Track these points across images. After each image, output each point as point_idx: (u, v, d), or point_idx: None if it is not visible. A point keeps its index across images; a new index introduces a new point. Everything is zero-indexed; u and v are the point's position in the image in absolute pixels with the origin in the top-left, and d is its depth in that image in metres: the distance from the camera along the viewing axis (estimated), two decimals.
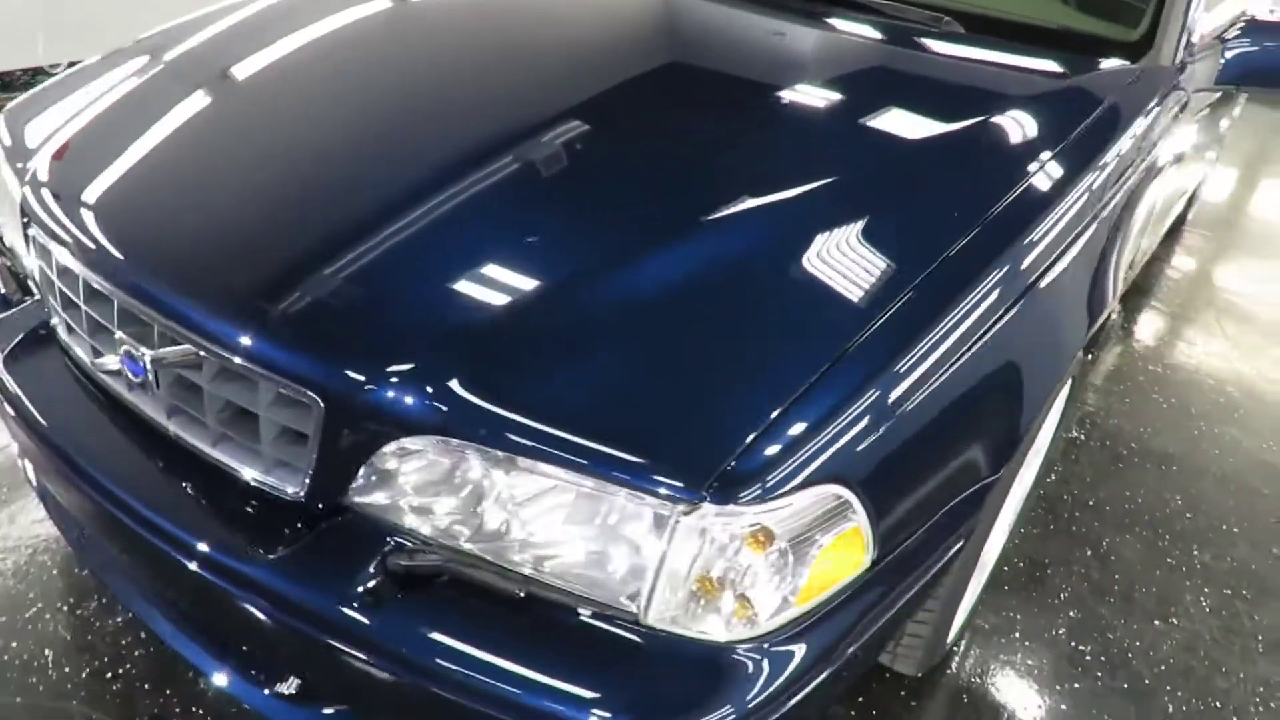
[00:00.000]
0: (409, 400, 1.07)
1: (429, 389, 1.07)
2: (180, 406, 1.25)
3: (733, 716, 0.99)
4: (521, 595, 1.06)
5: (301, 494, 1.16)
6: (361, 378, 1.09)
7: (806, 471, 1.00)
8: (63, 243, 1.32)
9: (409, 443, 1.09)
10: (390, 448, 1.10)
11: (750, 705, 1.01)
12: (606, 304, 1.14)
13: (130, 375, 1.26)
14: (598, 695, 0.99)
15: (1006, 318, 1.27)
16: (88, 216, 1.33)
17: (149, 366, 1.22)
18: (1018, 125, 1.55)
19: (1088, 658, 1.89)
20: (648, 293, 1.15)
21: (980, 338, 1.22)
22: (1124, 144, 1.59)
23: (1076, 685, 1.83)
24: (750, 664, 1.03)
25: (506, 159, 1.37)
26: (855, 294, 1.17)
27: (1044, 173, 1.43)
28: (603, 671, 1.02)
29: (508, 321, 1.14)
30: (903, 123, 1.53)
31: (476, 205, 1.29)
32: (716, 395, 1.06)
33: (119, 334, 1.25)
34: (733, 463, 0.99)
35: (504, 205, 1.30)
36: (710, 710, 0.99)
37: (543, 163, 1.38)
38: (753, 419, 1.02)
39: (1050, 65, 1.74)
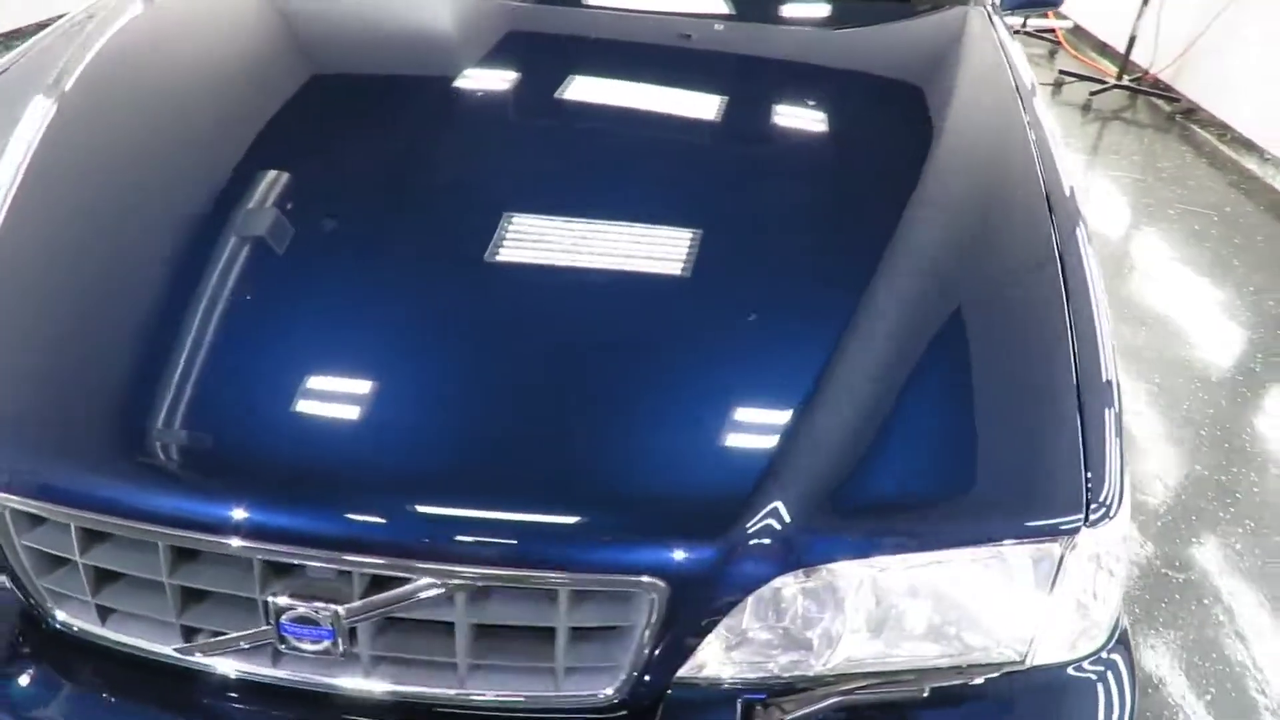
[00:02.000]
0: (770, 548, 0.94)
1: (792, 528, 0.94)
2: (395, 656, 0.95)
3: None
4: (925, 694, 0.99)
5: (617, 694, 0.96)
6: (716, 542, 0.92)
7: (1122, 488, 1.04)
8: (135, 513, 0.92)
9: (763, 590, 0.94)
10: (748, 601, 0.95)
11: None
12: (886, 383, 1.08)
13: (296, 644, 0.94)
14: None
15: None
16: (188, 463, 0.98)
17: (341, 624, 0.91)
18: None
19: None
20: (924, 370, 1.10)
21: None
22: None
23: None
24: (1109, 672, 1.07)
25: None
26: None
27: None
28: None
29: (817, 434, 1.01)
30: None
31: (701, 334, 1.13)
32: (1033, 435, 1.06)
33: (277, 599, 0.91)
34: (1089, 488, 1.00)
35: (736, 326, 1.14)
36: None
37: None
38: (1076, 450, 1.04)
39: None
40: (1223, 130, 4.67)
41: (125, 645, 1.01)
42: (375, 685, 0.98)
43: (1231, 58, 4.63)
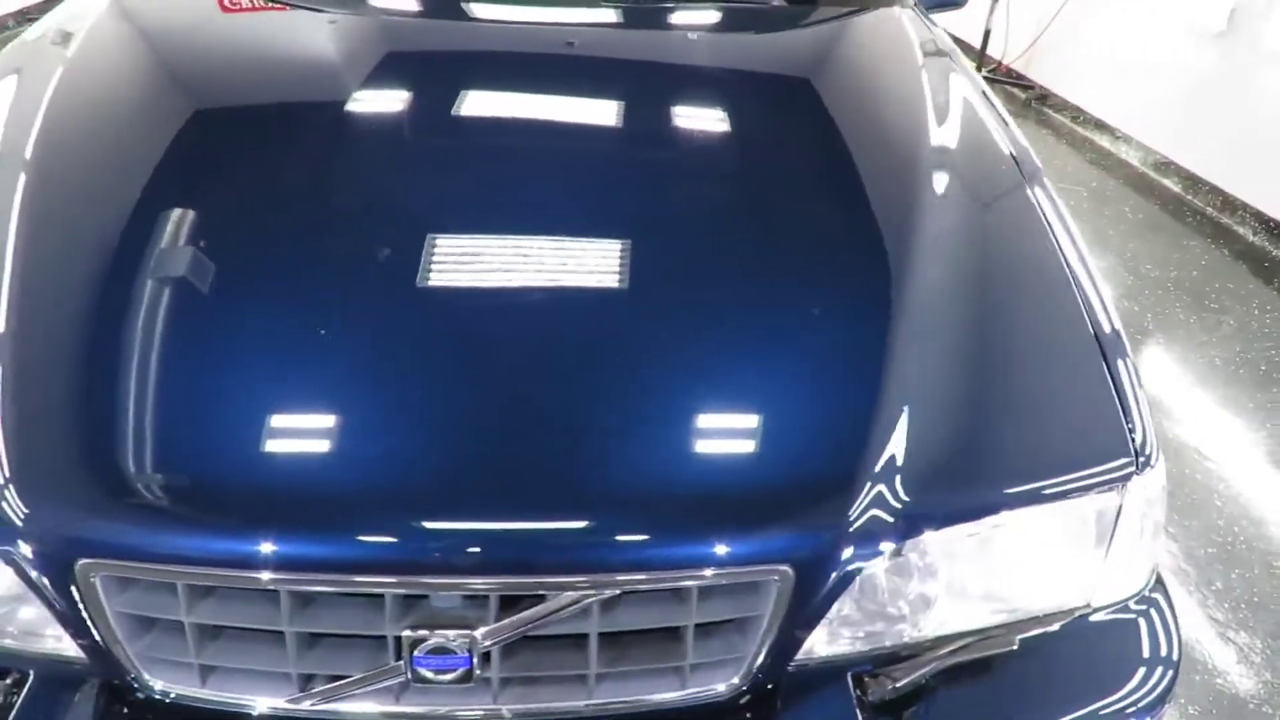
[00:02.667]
0: (876, 526, 0.99)
1: (892, 505, 1.00)
2: (525, 676, 0.95)
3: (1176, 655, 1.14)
4: (1014, 646, 1.06)
5: (740, 685, 1.00)
6: (834, 525, 0.96)
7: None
8: (247, 561, 0.89)
9: (868, 567, 1.00)
10: (856, 583, 0.99)
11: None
12: (939, 363, 1.14)
13: (429, 676, 0.92)
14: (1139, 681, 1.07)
15: None
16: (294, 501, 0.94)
17: (476, 649, 0.91)
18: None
19: None
20: (967, 347, 1.18)
21: None
22: None
23: None
24: (1156, 608, 1.18)
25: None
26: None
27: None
28: (1124, 664, 1.09)
29: (895, 414, 1.07)
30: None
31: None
32: (1075, 395, 1.16)
33: (411, 633, 0.90)
34: (1133, 438, 1.10)
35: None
36: (1163, 662, 1.13)
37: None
38: (1114, 404, 1.14)
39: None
40: (1076, 113, 5.06)
41: (229, 704, 0.97)
42: (505, 707, 0.97)
43: (1077, 46, 5.03)
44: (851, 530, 0.98)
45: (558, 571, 0.92)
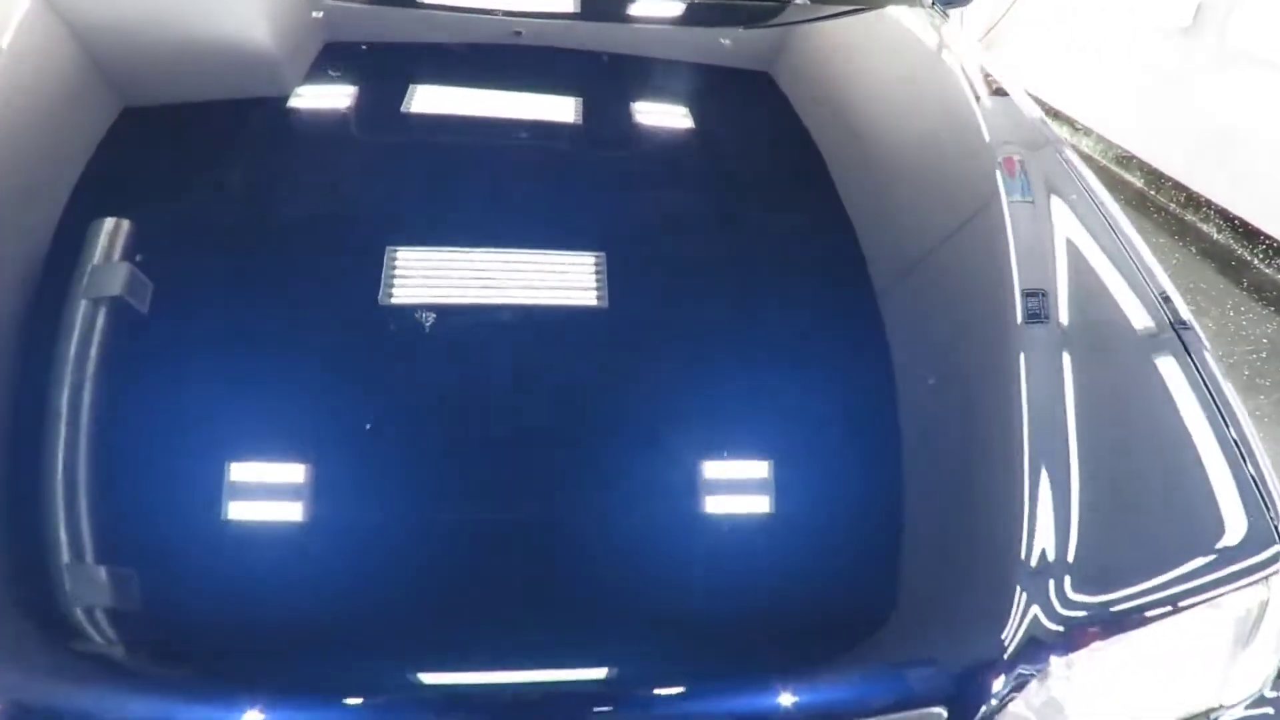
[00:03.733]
0: (1024, 654, 0.88)
1: (1040, 630, 0.89)
2: None
3: None
4: None
5: None
6: (987, 658, 0.84)
7: None
8: None
9: (1022, 695, 0.88)
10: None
11: None
12: (1063, 470, 1.02)
13: None
14: None
15: None
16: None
17: None
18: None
19: None
20: (1094, 449, 1.06)
21: None
22: None
23: None
24: None
25: None
26: None
27: None
28: None
29: (1030, 533, 0.95)
30: None
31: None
32: (1205, 485, 1.05)
33: None
34: (1276, 521, 1.01)
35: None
36: None
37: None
38: (1251, 493, 1.04)
39: None
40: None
41: None
42: None
43: (1036, 34, 5.01)
44: (1004, 661, 0.86)
45: None
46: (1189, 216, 3.99)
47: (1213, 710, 1.03)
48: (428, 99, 1.41)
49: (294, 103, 1.33)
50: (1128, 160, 4.35)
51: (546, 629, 0.79)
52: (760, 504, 0.92)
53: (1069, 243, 1.30)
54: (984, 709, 0.85)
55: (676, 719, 0.77)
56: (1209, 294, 3.41)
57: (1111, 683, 0.97)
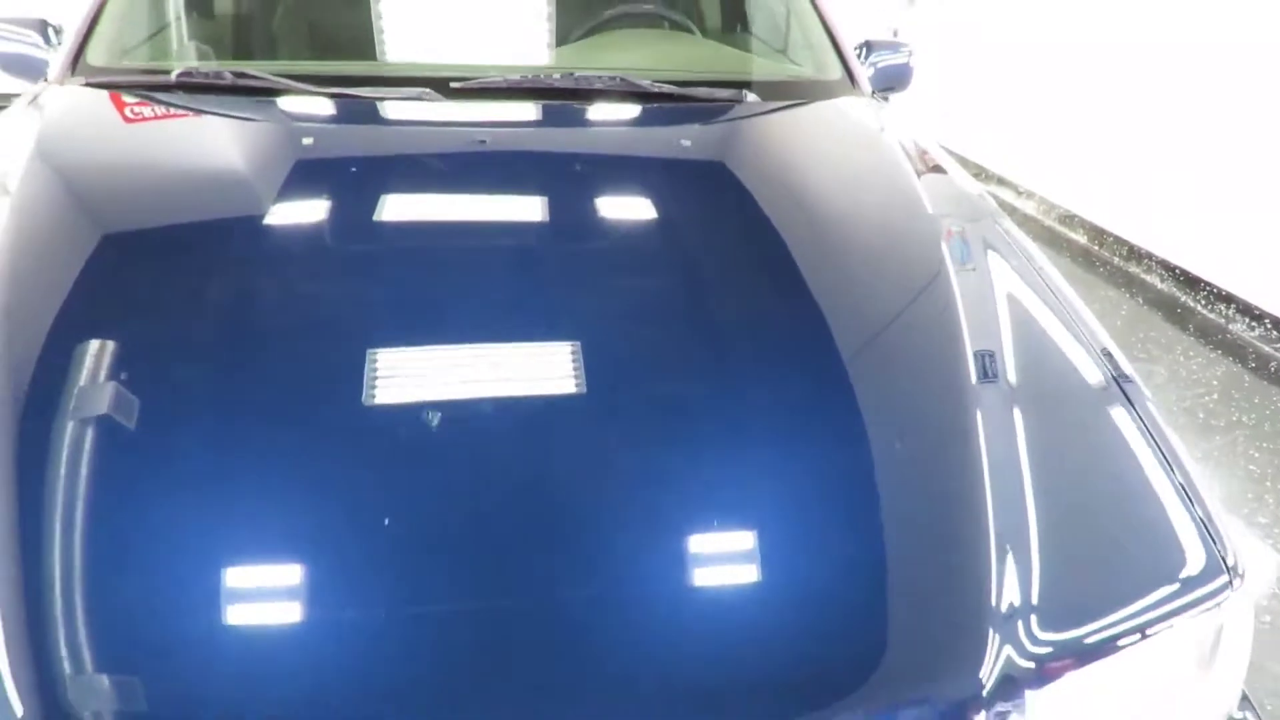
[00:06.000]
0: (997, 691, 0.93)
1: (1010, 666, 0.94)
2: None
3: None
4: None
5: None
6: (972, 690, 0.90)
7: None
8: None
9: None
10: None
11: None
12: (1022, 505, 1.10)
13: None
14: None
15: None
16: None
17: None
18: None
19: None
20: (1048, 486, 1.13)
21: None
22: None
23: None
24: None
25: None
26: None
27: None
28: None
29: (995, 569, 1.02)
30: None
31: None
32: (1157, 520, 1.13)
33: None
34: (1226, 555, 1.08)
35: None
36: None
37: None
38: (1198, 523, 1.12)
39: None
40: (977, 170, 5.29)
41: None
42: None
43: (973, 106, 5.27)
44: (986, 694, 0.92)
45: None
46: (1133, 269, 4.18)
47: None
48: (400, 207, 1.48)
49: (271, 220, 1.38)
50: (1070, 219, 4.57)
51: (544, 707, 0.84)
52: (745, 572, 0.98)
53: (1012, 304, 1.40)
54: None
55: None
56: (1159, 342, 3.56)
57: (1086, 712, 1.03)
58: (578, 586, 0.93)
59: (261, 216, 1.39)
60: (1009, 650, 0.94)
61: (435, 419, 1.05)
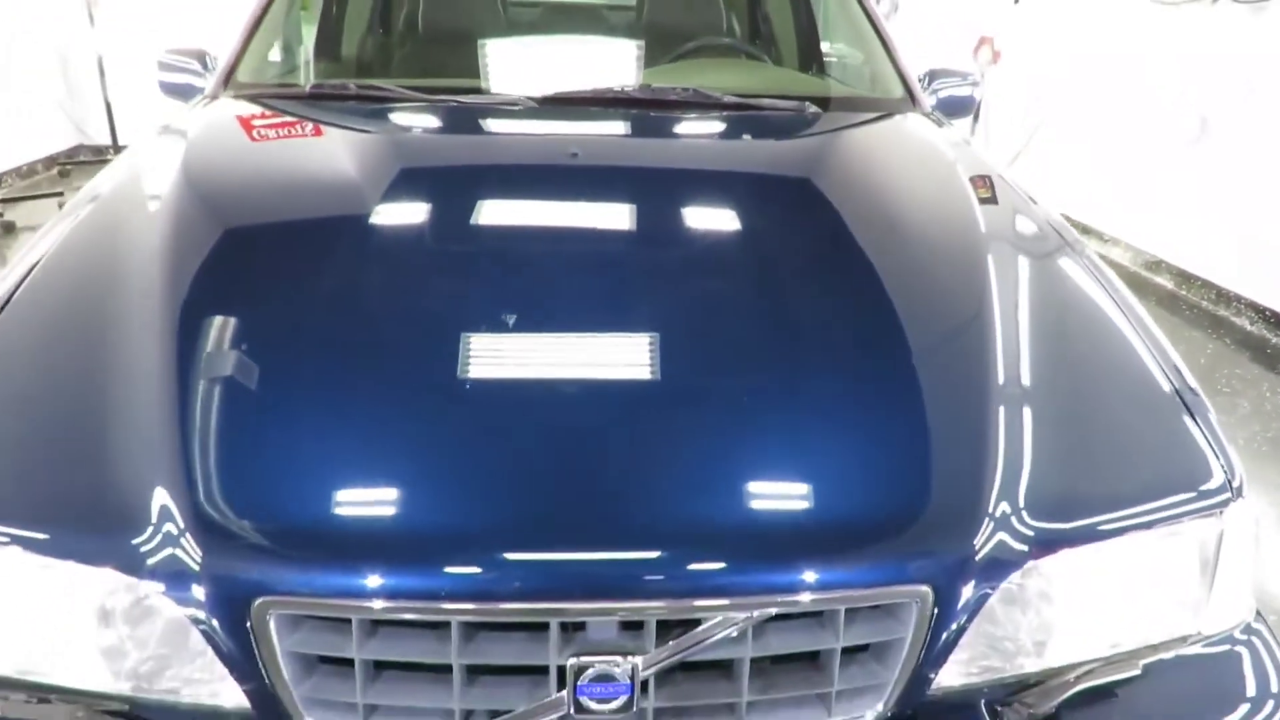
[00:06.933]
0: (1001, 550, 1.04)
1: (1015, 531, 1.06)
2: (678, 706, 0.98)
3: None
4: (1139, 670, 1.09)
5: (885, 711, 1.02)
6: (967, 547, 1.02)
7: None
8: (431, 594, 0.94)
9: (998, 592, 1.04)
10: (986, 609, 1.04)
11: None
12: (1043, 398, 1.23)
13: (590, 706, 0.95)
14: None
15: None
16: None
17: (638, 677, 0.94)
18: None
19: None
20: (1075, 381, 1.28)
21: None
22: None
23: None
24: (1263, 639, 1.22)
25: None
26: None
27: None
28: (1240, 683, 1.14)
29: (1011, 445, 1.14)
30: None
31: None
32: (1170, 430, 1.23)
33: (575, 660, 0.93)
34: (1228, 469, 1.16)
35: None
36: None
37: None
38: (1205, 439, 1.22)
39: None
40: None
41: None
42: None
43: (1058, 159, 5.33)
44: (981, 554, 1.03)
45: (715, 595, 0.96)
46: (1221, 311, 4.14)
47: (1190, 637, 1.16)
48: (497, 207, 1.65)
49: (390, 210, 1.58)
50: (1156, 265, 4.55)
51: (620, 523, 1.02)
52: (788, 436, 1.13)
53: (1036, 264, 1.53)
54: (964, 595, 1.02)
55: (712, 590, 0.97)
56: (1245, 378, 3.52)
57: (1090, 603, 1.12)
58: (648, 440, 1.11)
59: (384, 208, 1.58)
60: (1009, 515, 1.06)
61: (512, 320, 1.24)
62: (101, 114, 6.15)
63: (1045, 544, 1.07)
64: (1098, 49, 4.88)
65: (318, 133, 1.93)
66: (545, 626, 0.95)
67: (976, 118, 5.63)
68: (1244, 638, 1.20)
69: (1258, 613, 1.25)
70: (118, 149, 5.91)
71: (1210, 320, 4.09)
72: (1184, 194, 4.34)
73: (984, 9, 5.75)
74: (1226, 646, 1.19)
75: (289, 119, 1.96)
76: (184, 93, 2.34)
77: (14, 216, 4.93)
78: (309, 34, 2.43)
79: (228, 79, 2.16)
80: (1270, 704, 1.14)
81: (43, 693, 1.01)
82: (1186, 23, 4.27)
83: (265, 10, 2.30)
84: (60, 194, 5.35)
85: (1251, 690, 1.15)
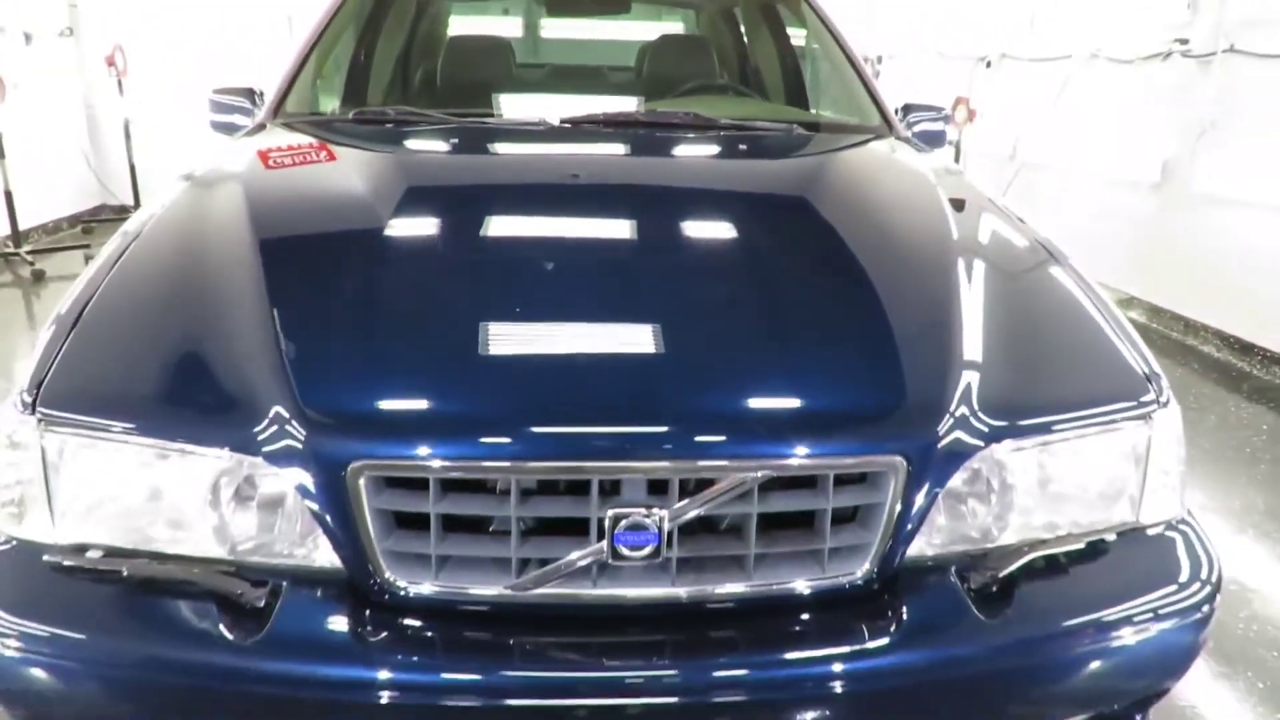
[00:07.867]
0: (967, 431, 1.26)
1: (979, 414, 1.28)
2: (695, 557, 1.18)
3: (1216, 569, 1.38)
4: (1082, 547, 1.30)
5: (872, 568, 1.22)
6: (938, 424, 1.23)
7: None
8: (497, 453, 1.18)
9: (958, 473, 1.25)
10: (954, 480, 1.24)
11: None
12: (998, 310, 1.49)
13: (627, 552, 1.15)
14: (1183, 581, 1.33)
15: None
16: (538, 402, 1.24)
17: (665, 527, 1.14)
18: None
19: None
20: (1018, 298, 1.57)
21: None
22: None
23: None
24: (1194, 530, 1.43)
25: None
26: None
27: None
28: (1173, 564, 1.33)
29: (971, 344, 1.39)
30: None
31: None
32: (1100, 343, 1.48)
33: (611, 512, 1.14)
34: (1154, 383, 1.39)
35: None
36: (1206, 565, 1.37)
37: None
38: (1135, 353, 1.45)
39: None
40: None
41: (457, 595, 1.17)
42: (681, 590, 1.18)
43: (1030, 202, 5.65)
44: (946, 439, 1.24)
45: (727, 458, 1.17)
46: (1189, 340, 4.39)
47: (1131, 526, 1.36)
48: (504, 226, 1.82)
49: (394, 232, 1.69)
50: (1128, 301, 4.82)
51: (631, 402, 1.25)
52: (792, 343, 1.38)
53: (985, 218, 1.83)
54: (932, 470, 1.22)
55: (725, 454, 1.17)
56: (1213, 397, 3.74)
57: (1040, 492, 1.32)
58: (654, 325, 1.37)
59: (395, 233, 1.72)
60: (972, 404, 1.28)
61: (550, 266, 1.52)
62: (125, 175, 6.48)
63: (996, 436, 1.28)
64: (1067, 103, 5.24)
65: (363, 152, 2.14)
66: (587, 486, 1.16)
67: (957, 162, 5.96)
68: (1178, 529, 1.40)
69: (1189, 511, 1.45)
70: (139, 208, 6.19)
71: (1179, 349, 4.34)
72: (1149, 233, 4.64)
73: (960, 74, 6.16)
74: (1159, 531, 1.39)
75: (339, 141, 2.21)
76: (230, 130, 2.59)
77: (43, 266, 5.19)
78: (346, 69, 2.73)
79: (277, 109, 2.43)
80: (1198, 585, 1.33)
81: (163, 560, 1.20)
82: (1144, 77, 4.62)
83: (313, 47, 2.58)
84: (87, 245, 5.63)
85: (1185, 571, 1.35)
